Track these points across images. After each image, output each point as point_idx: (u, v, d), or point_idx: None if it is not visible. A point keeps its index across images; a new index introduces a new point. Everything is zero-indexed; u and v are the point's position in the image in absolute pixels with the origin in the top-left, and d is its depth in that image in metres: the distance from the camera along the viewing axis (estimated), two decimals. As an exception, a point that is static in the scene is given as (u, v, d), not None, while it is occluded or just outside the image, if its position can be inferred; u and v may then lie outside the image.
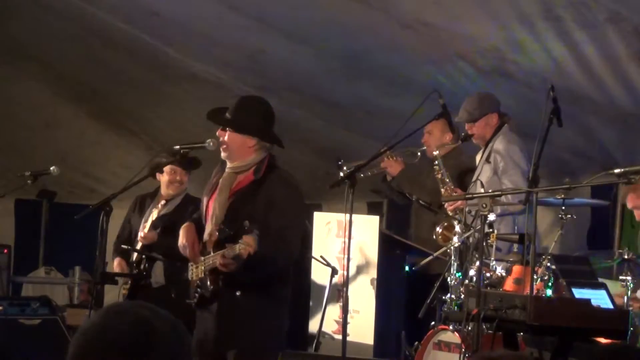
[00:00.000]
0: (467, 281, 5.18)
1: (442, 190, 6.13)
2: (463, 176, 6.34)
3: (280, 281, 4.59)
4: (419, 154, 6.77)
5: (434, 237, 5.91)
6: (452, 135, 6.63)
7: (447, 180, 6.12)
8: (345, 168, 5.95)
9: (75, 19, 7.30)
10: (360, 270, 6.48)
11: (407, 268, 6.43)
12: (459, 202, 5.85)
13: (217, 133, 4.62)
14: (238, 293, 4.49)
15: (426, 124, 6.21)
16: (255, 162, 4.58)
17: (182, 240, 4.61)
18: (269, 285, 4.54)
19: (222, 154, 4.64)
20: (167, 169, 6.14)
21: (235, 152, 4.58)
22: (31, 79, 8.76)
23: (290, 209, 4.52)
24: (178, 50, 7.25)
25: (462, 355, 4.95)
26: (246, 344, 4.50)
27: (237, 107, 4.62)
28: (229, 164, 4.64)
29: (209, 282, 4.52)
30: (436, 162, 6.18)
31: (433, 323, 5.62)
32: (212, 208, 4.62)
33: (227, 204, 4.56)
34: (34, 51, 8.29)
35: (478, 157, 6.18)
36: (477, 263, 4.68)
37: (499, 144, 5.98)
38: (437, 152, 6.20)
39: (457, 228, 5.48)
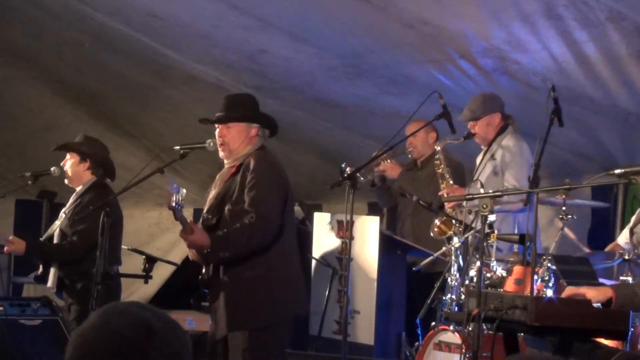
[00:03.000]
0: (467, 281, 5.18)
1: (441, 185, 6.17)
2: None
3: (265, 255, 4.56)
4: (409, 155, 6.85)
5: (431, 232, 5.95)
6: (436, 134, 6.71)
7: (447, 175, 6.17)
8: (348, 170, 6.00)
9: (74, 21, 7.29)
10: (360, 270, 6.47)
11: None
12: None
13: (217, 134, 4.65)
14: (226, 279, 4.54)
15: (426, 125, 6.25)
16: (249, 153, 4.63)
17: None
18: (250, 260, 4.54)
19: (222, 154, 4.67)
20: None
21: (237, 145, 4.64)
22: (31, 82, 8.76)
23: (262, 180, 4.52)
24: (177, 52, 7.24)
25: (462, 356, 4.95)
26: (247, 324, 4.54)
27: (229, 103, 4.72)
28: (227, 161, 4.69)
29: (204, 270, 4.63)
30: (437, 156, 6.24)
31: (433, 323, 5.62)
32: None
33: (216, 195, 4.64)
34: (33, 54, 8.29)
35: (479, 159, 6.18)
36: (478, 263, 4.68)
37: (508, 141, 5.99)
38: (439, 147, 6.24)
39: (454, 222, 5.52)
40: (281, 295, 4.59)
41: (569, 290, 4.32)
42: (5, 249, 5.84)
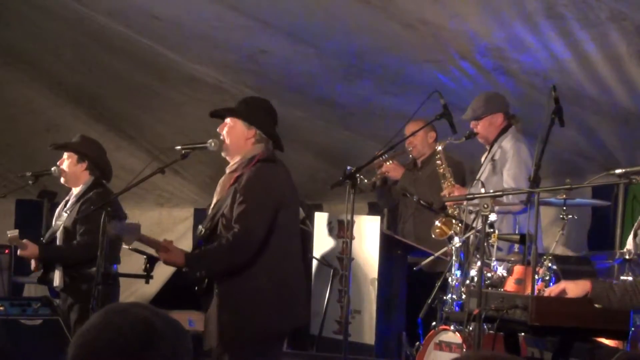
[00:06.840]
0: (468, 281, 5.18)
1: (443, 185, 6.17)
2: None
3: (254, 271, 4.46)
4: (410, 156, 6.86)
5: (432, 233, 5.95)
6: (435, 134, 6.72)
7: (448, 175, 6.17)
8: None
9: (74, 22, 7.29)
10: (361, 270, 6.47)
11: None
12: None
13: (218, 129, 4.64)
14: (218, 292, 4.50)
15: (426, 125, 6.25)
16: (245, 159, 4.57)
17: None
18: (238, 276, 4.47)
19: (223, 153, 4.65)
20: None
21: (234, 144, 4.59)
22: (31, 83, 8.76)
23: (248, 197, 4.43)
24: (177, 53, 7.24)
25: (463, 356, 4.94)
26: (233, 342, 4.48)
27: (240, 101, 4.69)
28: (228, 166, 4.66)
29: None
30: (438, 156, 6.24)
31: (434, 323, 5.62)
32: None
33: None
34: (34, 55, 8.29)
35: (483, 158, 6.19)
36: (478, 263, 4.68)
37: (507, 142, 5.98)
38: (440, 147, 6.24)
39: (455, 222, 5.52)
40: (270, 312, 4.45)
41: (549, 290, 4.33)
42: (19, 252, 5.80)
